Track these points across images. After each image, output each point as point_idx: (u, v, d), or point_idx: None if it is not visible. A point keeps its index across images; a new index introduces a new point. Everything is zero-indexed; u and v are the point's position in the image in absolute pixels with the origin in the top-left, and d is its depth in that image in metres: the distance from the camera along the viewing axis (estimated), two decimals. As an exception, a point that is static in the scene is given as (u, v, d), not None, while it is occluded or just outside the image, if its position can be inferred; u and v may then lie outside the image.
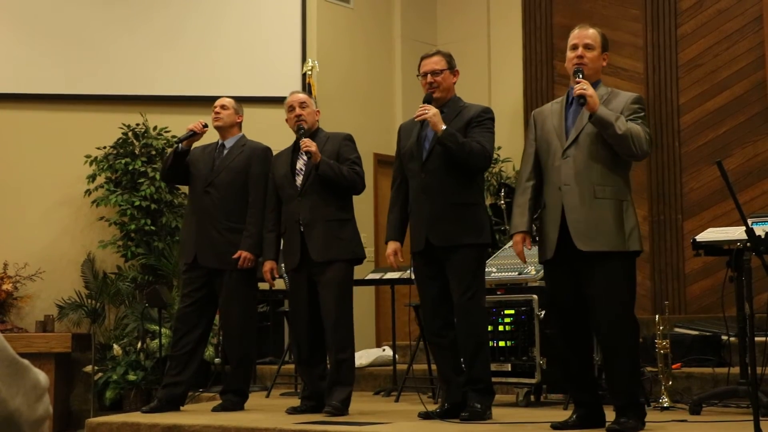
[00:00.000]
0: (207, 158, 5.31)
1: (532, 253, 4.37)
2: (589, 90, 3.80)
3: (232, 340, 5.27)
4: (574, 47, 4.00)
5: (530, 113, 8.57)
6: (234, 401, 5.17)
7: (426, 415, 4.40)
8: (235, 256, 5.07)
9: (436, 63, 4.48)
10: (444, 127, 4.29)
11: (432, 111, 4.30)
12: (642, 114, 3.95)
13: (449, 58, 4.53)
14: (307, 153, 4.79)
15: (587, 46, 3.98)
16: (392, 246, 4.56)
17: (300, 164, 4.94)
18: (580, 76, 3.89)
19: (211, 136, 5.45)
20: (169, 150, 5.97)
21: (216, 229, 5.16)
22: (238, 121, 5.37)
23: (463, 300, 4.32)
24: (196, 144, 5.38)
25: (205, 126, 5.33)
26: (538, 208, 4.07)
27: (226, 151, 5.30)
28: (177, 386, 5.16)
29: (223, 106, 5.34)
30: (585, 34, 4.00)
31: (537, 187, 4.06)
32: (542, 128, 4.08)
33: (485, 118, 4.44)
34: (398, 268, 4.71)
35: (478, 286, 4.37)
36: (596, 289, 3.82)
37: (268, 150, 5.33)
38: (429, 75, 4.46)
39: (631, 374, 3.85)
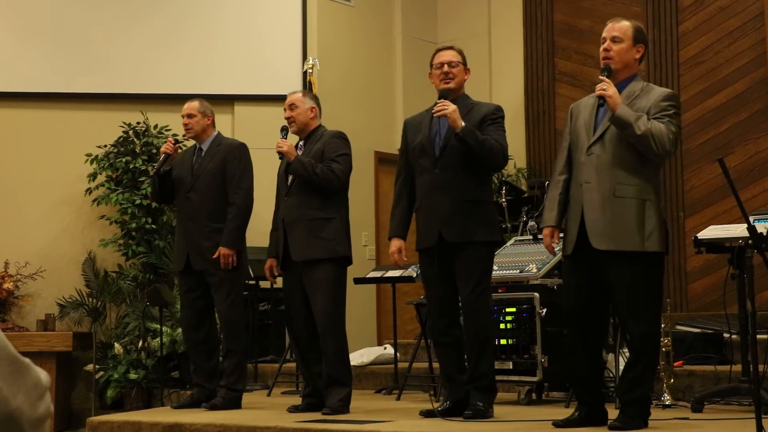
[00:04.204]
0: (186, 164, 5.39)
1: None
2: (609, 90, 3.74)
3: (224, 337, 5.30)
4: (603, 41, 3.93)
5: (531, 111, 8.70)
6: (228, 398, 5.15)
7: (428, 413, 4.40)
8: (215, 255, 5.10)
9: (453, 56, 4.49)
10: (463, 123, 4.27)
11: (451, 107, 4.28)
12: (672, 111, 3.83)
13: (463, 55, 4.55)
14: (279, 153, 4.83)
15: (614, 39, 3.89)
16: (396, 243, 4.54)
17: None
18: (605, 74, 3.83)
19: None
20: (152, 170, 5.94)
21: (201, 233, 5.21)
22: (208, 122, 5.39)
23: (472, 297, 4.31)
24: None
25: (176, 143, 5.43)
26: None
27: (203, 154, 5.36)
28: (206, 389, 5.26)
29: (189, 115, 5.38)
30: (613, 27, 3.93)
31: (569, 181, 4.01)
32: (576, 122, 4.02)
33: (498, 116, 4.45)
34: (402, 266, 4.69)
35: (486, 283, 4.37)
36: (620, 290, 3.78)
37: (243, 147, 5.37)
38: (446, 65, 4.45)
39: (646, 375, 3.83)
